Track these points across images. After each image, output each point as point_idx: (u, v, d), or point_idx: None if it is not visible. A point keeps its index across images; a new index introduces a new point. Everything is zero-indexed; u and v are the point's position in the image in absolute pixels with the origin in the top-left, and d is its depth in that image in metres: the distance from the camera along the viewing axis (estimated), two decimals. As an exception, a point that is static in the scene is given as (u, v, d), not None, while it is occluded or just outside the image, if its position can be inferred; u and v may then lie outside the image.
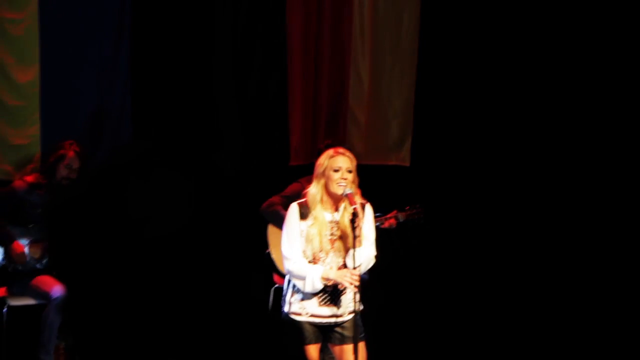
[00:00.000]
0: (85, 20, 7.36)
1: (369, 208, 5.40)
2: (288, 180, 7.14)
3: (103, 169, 7.20)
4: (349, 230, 5.22)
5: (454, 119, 8.26)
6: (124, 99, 7.49)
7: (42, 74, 7.22)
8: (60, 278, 6.63)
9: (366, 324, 5.39)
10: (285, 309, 5.37)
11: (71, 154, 6.72)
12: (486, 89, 8.20)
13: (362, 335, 5.31)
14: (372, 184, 6.77)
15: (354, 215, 5.16)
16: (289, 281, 5.38)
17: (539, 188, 8.14)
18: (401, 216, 7.06)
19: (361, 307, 5.26)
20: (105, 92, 7.42)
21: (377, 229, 5.61)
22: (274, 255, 6.82)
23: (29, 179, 6.75)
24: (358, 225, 5.17)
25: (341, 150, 5.37)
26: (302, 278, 5.26)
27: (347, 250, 5.28)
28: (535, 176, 8.14)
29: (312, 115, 8.06)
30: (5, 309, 6.59)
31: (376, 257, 5.40)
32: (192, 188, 7.40)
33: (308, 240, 5.25)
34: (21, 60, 7.18)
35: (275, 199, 6.89)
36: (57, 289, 6.50)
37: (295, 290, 5.33)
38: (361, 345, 5.28)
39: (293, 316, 5.32)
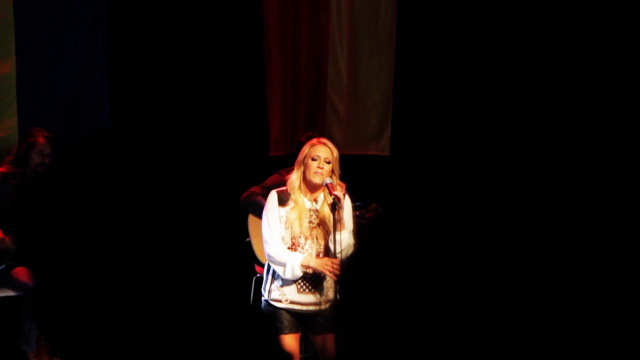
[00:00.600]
0: (60, 11, 7.32)
1: (348, 200, 5.43)
2: (267, 171, 7.13)
3: (72, 157, 7.15)
4: (329, 217, 5.24)
5: (433, 108, 8.27)
6: (102, 90, 7.45)
7: (19, 66, 7.17)
8: (28, 268, 6.60)
9: (346, 314, 5.39)
10: (265, 296, 5.38)
11: (41, 139, 6.69)
12: (465, 77, 8.21)
13: (342, 324, 5.32)
14: (352, 174, 6.77)
15: (336, 200, 5.18)
16: (269, 268, 5.39)
17: (521, 175, 8.16)
18: (380, 209, 7.07)
19: (341, 296, 5.28)
20: (82, 83, 7.38)
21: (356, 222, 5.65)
22: (254, 245, 6.82)
23: (1, 169, 6.73)
24: (340, 209, 5.19)
25: (323, 140, 5.40)
26: (282, 264, 5.27)
27: (326, 238, 5.29)
28: (517, 163, 8.15)
29: (291, 106, 8.05)
30: (-15, 301, 6.57)
31: (354, 245, 5.42)
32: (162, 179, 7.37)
33: (288, 224, 5.28)
34: (-3, 54, 7.15)
35: (255, 189, 6.88)
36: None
37: (275, 277, 5.35)
38: (342, 334, 5.29)
39: (273, 303, 5.33)
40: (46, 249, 6.85)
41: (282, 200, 5.32)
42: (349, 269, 6.02)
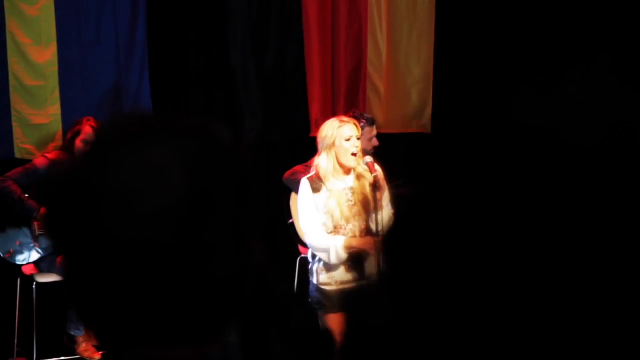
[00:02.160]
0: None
1: (380, 170, 5.34)
2: (310, 151, 7.11)
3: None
4: (368, 194, 5.20)
5: (475, 85, 8.20)
6: (142, 75, 7.48)
7: (60, 53, 7.21)
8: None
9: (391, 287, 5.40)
10: (314, 280, 5.36)
11: (87, 129, 6.75)
12: (507, 53, 8.14)
13: (387, 296, 5.31)
14: (395, 152, 6.75)
15: (376, 183, 5.14)
16: (313, 254, 5.38)
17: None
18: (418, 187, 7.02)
19: (386, 271, 5.26)
20: (123, 69, 7.41)
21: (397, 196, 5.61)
22: (297, 226, 6.81)
23: (50, 155, 6.78)
24: (380, 191, 5.16)
25: (345, 118, 5.32)
26: (326, 250, 5.24)
27: (367, 214, 5.25)
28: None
29: (331, 86, 8.03)
30: (34, 286, 6.63)
31: (394, 214, 5.37)
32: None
33: (328, 212, 5.21)
34: (38, 41, 7.17)
35: (299, 167, 6.86)
36: None
37: (321, 261, 5.33)
38: (387, 306, 5.28)
39: (323, 287, 5.31)
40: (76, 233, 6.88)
41: (315, 188, 5.25)
42: (391, 242, 6.02)
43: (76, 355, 6.75)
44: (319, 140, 5.27)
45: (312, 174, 5.30)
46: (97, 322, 1.41)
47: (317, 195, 5.24)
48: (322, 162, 5.24)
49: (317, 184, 5.25)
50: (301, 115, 7.92)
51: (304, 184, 5.27)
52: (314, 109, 7.94)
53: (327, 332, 5.33)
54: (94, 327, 1.42)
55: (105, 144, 1.40)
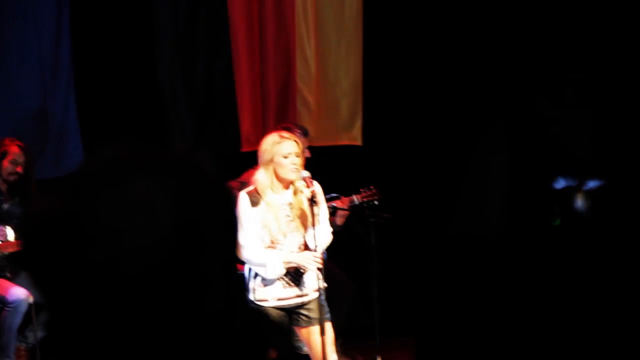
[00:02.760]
0: (22, 15, 7.24)
1: (318, 186, 5.36)
2: (241, 167, 7.07)
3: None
4: (306, 210, 5.19)
5: (404, 95, 8.23)
6: (68, 96, 7.37)
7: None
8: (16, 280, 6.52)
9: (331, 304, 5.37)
10: (250, 296, 5.32)
11: (15, 149, 6.62)
12: (435, 63, 8.18)
13: (327, 315, 5.28)
14: (326, 165, 6.73)
15: (313, 197, 5.13)
16: (250, 268, 5.33)
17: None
18: (357, 198, 7.02)
19: (325, 286, 5.24)
20: (48, 90, 7.30)
21: (334, 211, 5.61)
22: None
23: None
24: (317, 205, 5.15)
25: (286, 134, 5.31)
26: (263, 265, 5.21)
27: (305, 229, 5.25)
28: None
29: (261, 101, 7.99)
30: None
31: (332, 233, 5.40)
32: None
33: (265, 226, 5.20)
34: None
35: (232, 183, 6.81)
36: (13, 292, 6.39)
37: (258, 276, 5.29)
38: (328, 325, 5.25)
39: (259, 303, 5.27)
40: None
41: (254, 202, 5.22)
42: (329, 259, 6.00)
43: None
44: (259, 154, 5.27)
45: (251, 188, 5.28)
46: None
47: (255, 209, 5.22)
48: (260, 176, 5.24)
49: (255, 198, 5.23)
50: (232, 131, 7.86)
51: (242, 197, 5.25)
52: (245, 124, 7.89)
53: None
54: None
55: (91, 180, 1.37)
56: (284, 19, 8.02)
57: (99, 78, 7.50)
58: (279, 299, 5.28)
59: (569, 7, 7.95)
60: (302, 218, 5.23)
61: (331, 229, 5.38)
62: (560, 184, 7.01)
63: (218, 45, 7.82)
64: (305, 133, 6.57)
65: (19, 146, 6.61)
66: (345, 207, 6.78)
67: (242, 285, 5.49)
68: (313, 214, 5.15)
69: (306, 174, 5.22)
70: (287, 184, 5.25)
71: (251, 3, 7.90)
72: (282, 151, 5.20)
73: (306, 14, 8.07)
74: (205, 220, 1.38)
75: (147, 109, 7.62)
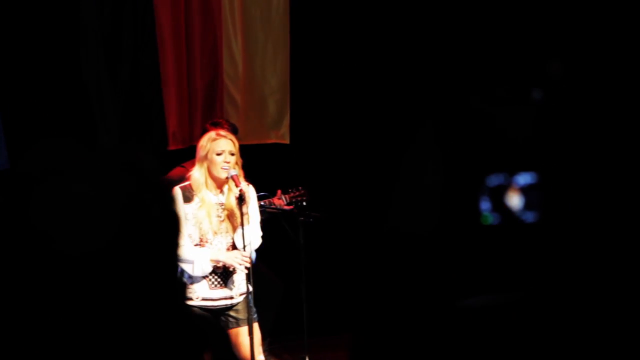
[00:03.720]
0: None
1: (252, 189, 5.39)
2: (167, 165, 7.02)
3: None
4: (235, 210, 5.18)
5: (332, 94, 8.26)
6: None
7: None
8: None
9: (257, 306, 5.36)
10: (174, 294, 5.30)
11: None
12: (363, 61, 8.22)
13: (255, 316, 5.28)
14: (254, 164, 6.71)
15: (241, 195, 5.12)
16: (176, 266, 5.31)
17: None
18: (285, 198, 7.02)
19: (251, 288, 5.24)
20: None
21: (263, 212, 5.60)
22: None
23: None
24: (245, 204, 5.14)
25: (223, 132, 5.32)
26: (190, 262, 5.19)
27: (234, 231, 5.24)
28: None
29: (188, 99, 7.94)
30: None
31: (262, 237, 5.39)
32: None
33: (197, 223, 5.19)
34: None
35: None
36: None
37: (183, 274, 5.26)
38: (255, 326, 5.25)
39: (184, 302, 5.25)
40: None
41: (187, 197, 5.23)
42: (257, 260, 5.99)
43: None
44: (197, 150, 5.28)
45: (185, 183, 5.26)
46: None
47: (187, 205, 5.21)
48: (196, 173, 5.25)
49: (189, 193, 5.23)
50: (158, 129, 7.80)
51: (176, 192, 5.22)
52: (171, 122, 7.83)
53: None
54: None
55: (31, 177, 1.35)
56: (210, 17, 7.98)
57: (23, 76, 7.38)
58: (203, 299, 5.25)
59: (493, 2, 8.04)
60: (233, 219, 5.22)
61: (261, 233, 5.36)
62: (493, 181, 7.09)
63: (144, 42, 7.75)
64: (234, 130, 6.54)
65: None
66: (276, 206, 6.79)
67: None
68: (242, 213, 5.14)
69: (234, 172, 5.21)
70: (220, 183, 5.24)
71: (177, 0, 7.84)
72: (216, 148, 5.22)
73: (233, 11, 8.04)
74: (153, 221, 1.38)
75: (72, 107, 7.52)
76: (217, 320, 5.31)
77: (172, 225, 1.42)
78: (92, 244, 1.33)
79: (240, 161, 5.32)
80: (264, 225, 5.50)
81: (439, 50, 8.12)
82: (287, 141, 8.24)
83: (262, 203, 6.27)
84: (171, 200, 1.43)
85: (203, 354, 5.62)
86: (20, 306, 1.36)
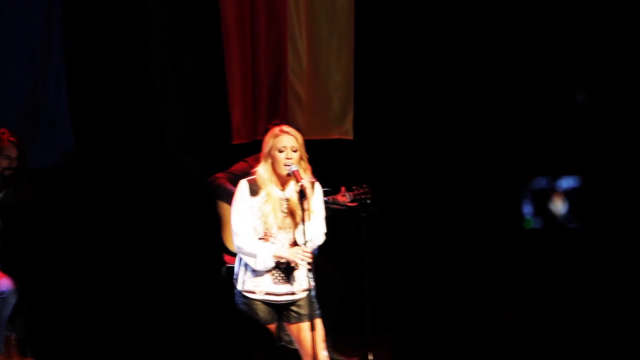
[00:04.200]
0: (12, 6, 7.21)
1: (318, 186, 5.39)
2: (231, 160, 7.07)
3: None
4: (298, 206, 5.19)
5: (396, 90, 8.25)
6: (59, 86, 7.36)
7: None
8: (7, 270, 6.53)
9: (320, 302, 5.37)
10: (239, 287, 5.32)
11: (6, 144, 6.62)
12: (427, 57, 8.19)
13: (317, 312, 5.28)
14: (317, 159, 6.72)
15: (302, 190, 5.13)
16: (241, 259, 5.33)
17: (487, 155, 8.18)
18: (349, 195, 7.02)
19: (313, 284, 5.25)
20: (38, 80, 7.29)
21: (327, 208, 5.60)
22: (223, 234, 6.72)
23: None
24: (306, 200, 5.14)
25: (286, 128, 5.32)
26: (253, 255, 5.22)
27: (297, 227, 5.25)
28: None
29: (252, 93, 7.97)
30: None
31: (325, 234, 5.38)
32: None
33: (262, 216, 5.21)
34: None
35: (220, 174, 6.80)
36: (2, 283, 6.39)
37: (248, 268, 5.29)
38: (317, 322, 5.25)
39: (247, 294, 5.27)
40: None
41: (253, 191, 5.25)
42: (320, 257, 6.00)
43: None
44: (262, 147, 5.31)
45: (252, 177, 5.29)
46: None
47: (254, 198, 5.24)
48: (260, 168, 5.28)
49: (255, 187, 5.25)
50: (222, 123, 7.85)
51: (243, 184, 5.28)
52: (235, 116, 7.87)
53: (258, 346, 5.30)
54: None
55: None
56: (275, 12, 8.00)
57: (90, 69, 7.50)
58: (267, 293, 5.27)
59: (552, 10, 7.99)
60: (295, 215, 5.23)
61: (325, 230, 5.36)
62: (537, 185, 7.03)
63: (209, 36, 7.81)
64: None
65: (10, 141, 6.62)
66: (339, 203, 6.80)
67: (231, 276, 5.49)
68: (303, 209, 5.15)
69: (295, 168, 5.22)
70: (284, 179, 5.26)
71: (242, -4, 7.89)
72: (278, 145, 5.23)
73: (298, 7, 8.06)
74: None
75: (138, 100, 7.62)
76: (280, 314, 5.32)
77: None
78: (130, 241, 1.35)
79: (306, 156, 5.32)
80: (327, 221, 5.50)
81: (498, 49, 8.10)
82: (350, 137, 8.24)
83: (325, 199, 6.28)
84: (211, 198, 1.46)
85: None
86: None
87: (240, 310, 5.31)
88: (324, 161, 7.22)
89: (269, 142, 5.27)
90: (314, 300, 5.28)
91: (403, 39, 8.22)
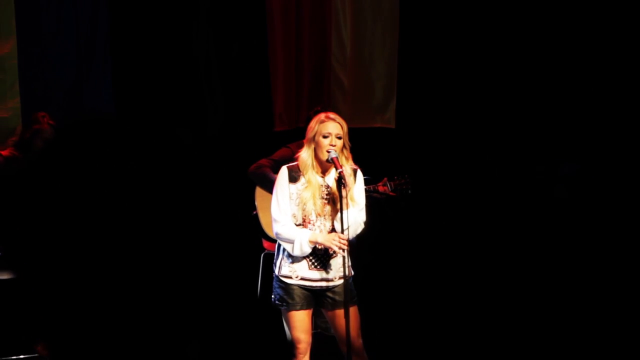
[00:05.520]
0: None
1: (359, 174, 5.37)
2: (273, 146, 7.08)
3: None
4: (338, 193, 5.18)
5: (438, 79, 8.21)
6: (104, 67, 7.41)
7: (20, 46, 7.12)
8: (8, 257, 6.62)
9: (358, 290, 5.36)
10: (275, 271, 5.34)
11: (46, 126, 6.72)
12: (471, 48, 8.15)
13: (354, 299, 5.28)
14: (359, 147, 6.71)
15: (340, 177, 5.12)
16: (280, 245, 5.35)
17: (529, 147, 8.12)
18: (390, 185, 7.01)
19: (352, 272, 5.24)
20: (84, 62, 7.34)
21: (368, 197, 5.58)
22: (261, 219, 6.75)
23: (4, 152, 6.72)
24: (345, 187, 5.14)
25: (332, 115, 5.31)
26: (291, 241, 5.22)
27: (335, 214, 5.24)
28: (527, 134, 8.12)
29: (295, 80, 7.99)
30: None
31: (366, 223, 5.36)
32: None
33: (302, 203, 5.22)
34: (-3, 33, 7.10)
35: (263, 161, 6.82)
36: None
37: (286, 253, 5.30)
38: (353, 310, 5.24)
39: (283, 279, 5.29)
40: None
41: (294, 178, 5.25)
42: (358, 245, 5.99)
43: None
44: (306, 133, 5.31)
45: (293, 163, 5.30)
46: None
47: (293, 184, 5.24)
48: (303, 154, 5.28)
49: (296, 173, 5.26)
50: (265, 110, 7.87)
51: (283, 171, 5.29)
52: (278, 103, 7.89)
53: (294, 331, 5.31)
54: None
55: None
56: (320, 0, 8.00)
57: (135, 52, 7.53)
58: (302, 279, 5.28)
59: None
60: (335, 202, 5.23)
61: (365, 219, 5.34)
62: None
63: (254, 22, 7.82)
64: None
65: (50, 124, 6.75)
66: (380, 192, 6.78)
67: (270, 261, 5.51)
68: (341, 196, 5.13)
69: (335, 154, 5.21)
70: (325, 165, 5.26)
71: (288, -19, 7.89)
72: (323, 131, 5.22)
73: (343, -5, 8.06)
74: None
75: (181, 85, 7.65)
76: (317, 300, 5.33)
77: None
78: None
79: (349, 145, 5.32)
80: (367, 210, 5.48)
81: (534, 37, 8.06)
82: (392, 125, 8.22)
83: (365, 188, 6.28)
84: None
85: None
86: None
87: (276, 298, 5.32)
88: (365, 149, 7.24)
89: (314, 127, 5.26)
90: (352, 288, 5.28)
91: (447, 29, 8.18)
